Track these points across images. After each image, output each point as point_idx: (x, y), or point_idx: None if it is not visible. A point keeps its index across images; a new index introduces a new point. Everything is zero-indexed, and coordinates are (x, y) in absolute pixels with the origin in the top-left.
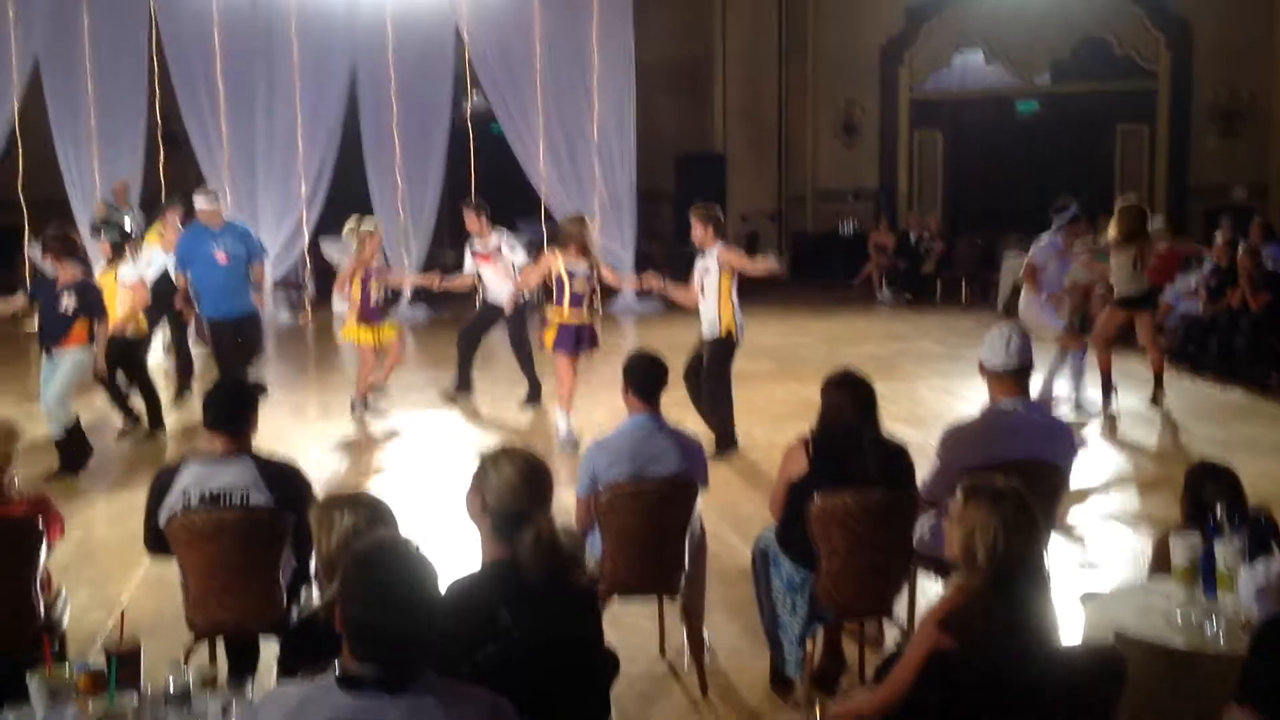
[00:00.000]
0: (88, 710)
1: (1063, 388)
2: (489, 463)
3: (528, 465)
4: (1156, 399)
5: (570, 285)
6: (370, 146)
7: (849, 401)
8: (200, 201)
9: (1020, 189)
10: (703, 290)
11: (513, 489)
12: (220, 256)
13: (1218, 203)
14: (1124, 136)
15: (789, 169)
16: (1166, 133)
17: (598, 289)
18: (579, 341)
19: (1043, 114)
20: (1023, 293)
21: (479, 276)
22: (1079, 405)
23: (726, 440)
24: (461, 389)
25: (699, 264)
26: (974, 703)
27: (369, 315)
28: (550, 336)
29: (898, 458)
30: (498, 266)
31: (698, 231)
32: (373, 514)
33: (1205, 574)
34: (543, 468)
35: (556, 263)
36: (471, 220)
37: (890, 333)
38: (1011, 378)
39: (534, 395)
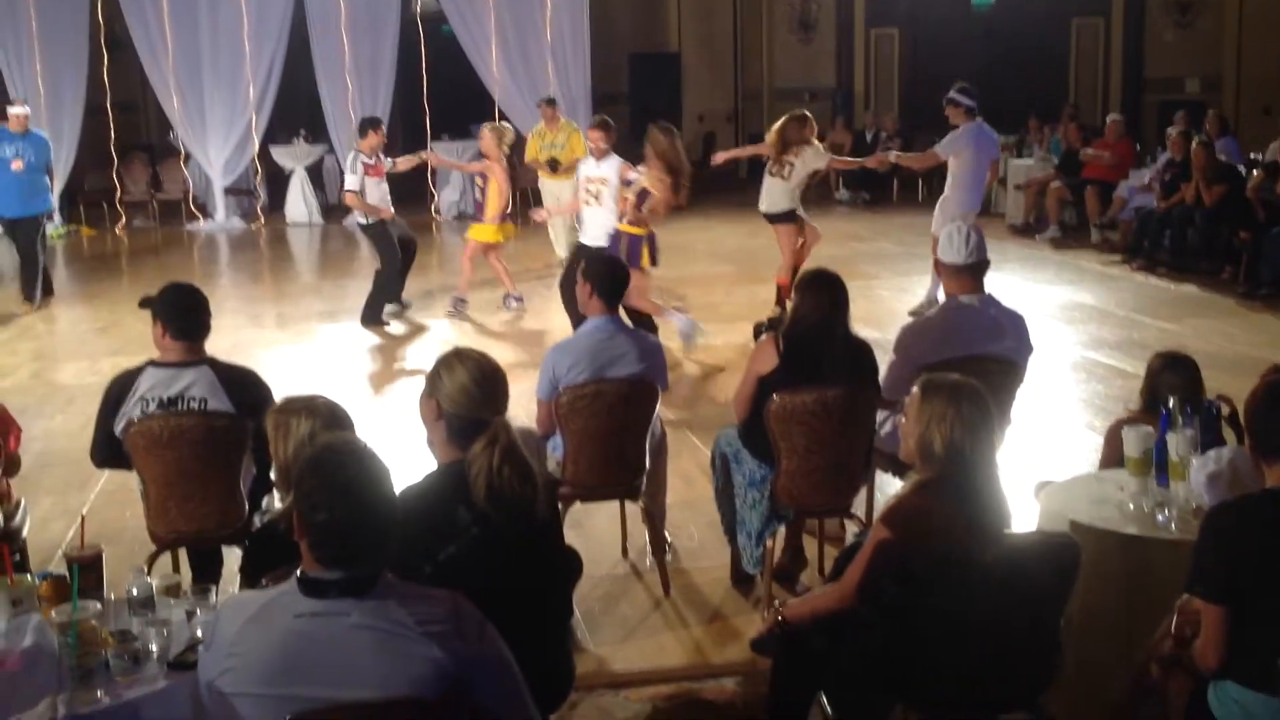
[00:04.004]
0: (51, 617)
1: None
2: (442, 366)
3: (481, 368)
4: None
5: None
6: (319, 48)
7: (823, 298)
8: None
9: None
10: (598, 198)
11: (466, 393)
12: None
13: (1172, 96)
14: (1079, 30)
15: (745, 68)
16: (1121, 25)
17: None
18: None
19: (999, 8)
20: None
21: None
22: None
23: None
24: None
25: (593, 172)
26: (927, 593)
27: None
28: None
29: (864, 355)
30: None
31: (604, 143)
32: (330, 419)
33: (1158, 463)
34: (497, 370)
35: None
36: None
37: (848, 233)
38: (968, 273)
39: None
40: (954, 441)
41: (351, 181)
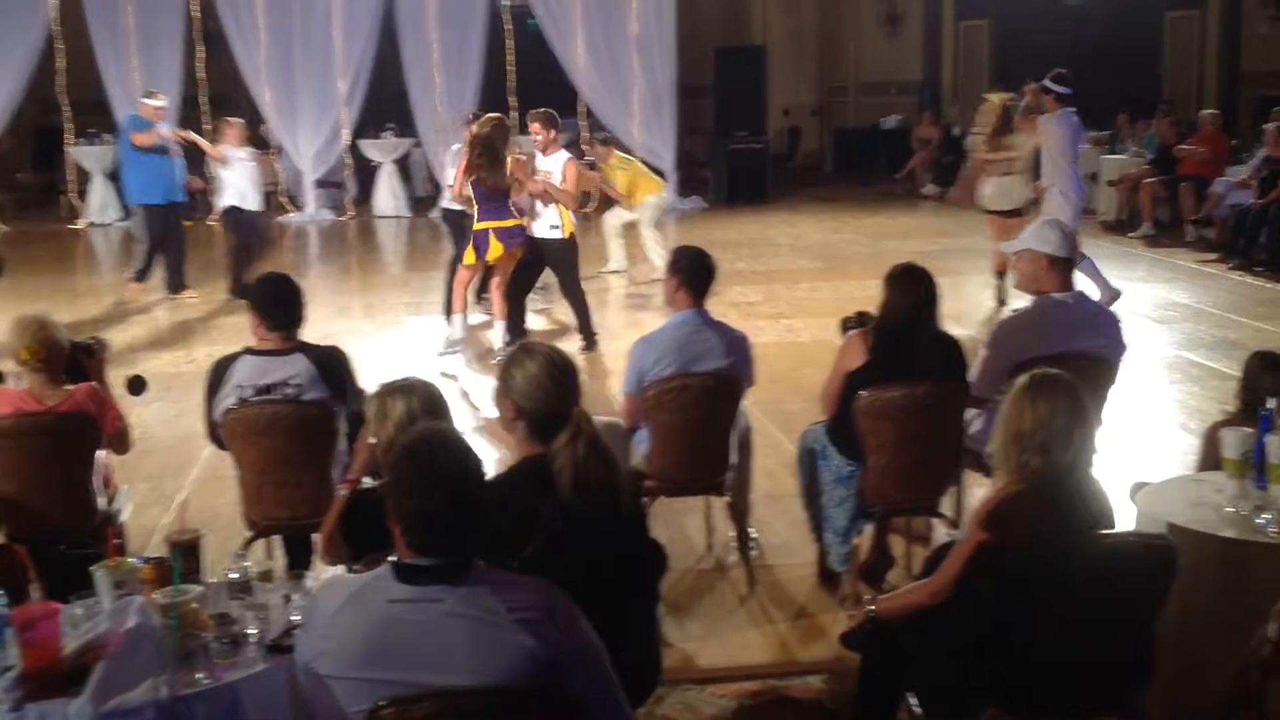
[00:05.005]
0: (153, 600)
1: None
2: (512, 364)
3: (551, 360)
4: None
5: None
6: (407, 42)
7: (912, 294)
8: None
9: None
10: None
11: (540, 386)
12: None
13: (1270, 90)
14: (1173, 22)
15: (830, 61)
16: (1217, 18)
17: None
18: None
19: (1091, 0)
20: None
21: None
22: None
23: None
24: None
25: (540, 166)
26: (1023, 594)
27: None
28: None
29: (954, 351)
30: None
31: (541, 136)
32: (426, 399)
33: (1257, 466)
34: (567, 362)
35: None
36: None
37: (936, 228)
38: (1063, 267)
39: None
40: (1052, 438)
41: (453, 175)
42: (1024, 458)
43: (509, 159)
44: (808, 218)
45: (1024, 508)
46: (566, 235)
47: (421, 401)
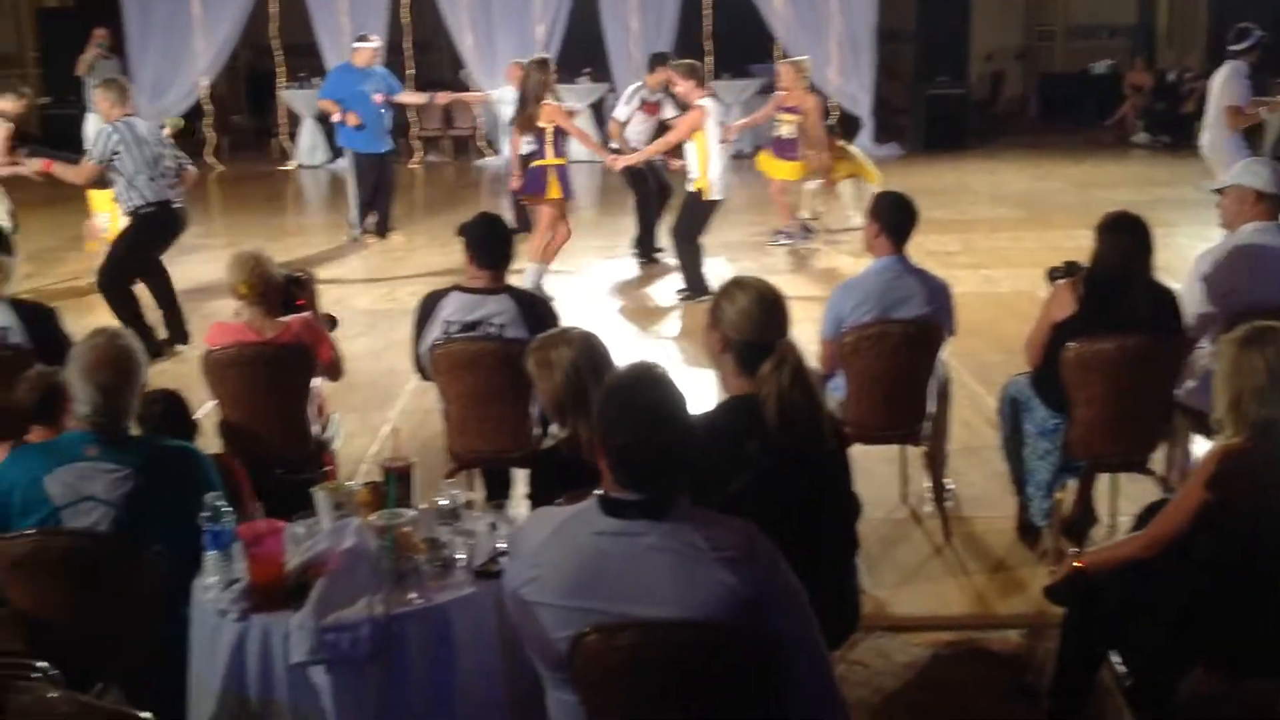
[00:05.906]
0: (369, 522)
1: None
2: (722, 296)
3: (760, 293)
4: None
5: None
6: None
7: (1126, 243)
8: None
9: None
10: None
11: (750, 317)
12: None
13: None
14: None
15: (1039, 4)
16: None
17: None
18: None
19: None
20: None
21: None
22: None
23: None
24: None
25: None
26: (1244, 552)
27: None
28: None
29: (1167, 302)
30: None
31: (681, 87)
32: (586, 347)
33: None
34: (777, 294)
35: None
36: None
37: (1146, 178)
38: (1269, 204)
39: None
40: (1274, 394)
41: (621, 111)
42: (1247, 413)
43: (541, 107)
44: (1009, 165)
45: (1249, 464)
46: (694, 189)
47: (581, 349)
